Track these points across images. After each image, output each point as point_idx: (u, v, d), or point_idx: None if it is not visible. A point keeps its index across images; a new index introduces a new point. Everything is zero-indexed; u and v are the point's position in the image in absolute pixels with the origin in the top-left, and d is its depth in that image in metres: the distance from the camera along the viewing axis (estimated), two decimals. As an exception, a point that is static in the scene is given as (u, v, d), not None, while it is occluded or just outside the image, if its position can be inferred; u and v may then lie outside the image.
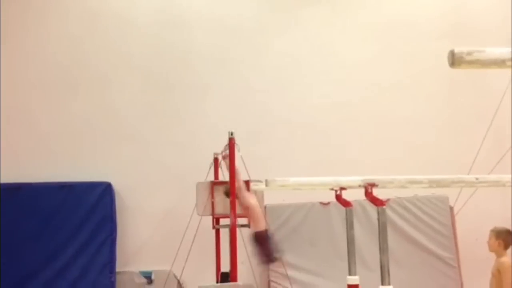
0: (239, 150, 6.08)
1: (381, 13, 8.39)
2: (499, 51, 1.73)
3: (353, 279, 3.98)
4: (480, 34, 8.19)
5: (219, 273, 7.24)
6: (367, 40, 8.36)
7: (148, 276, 7.67)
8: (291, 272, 7.32)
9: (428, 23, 8.38)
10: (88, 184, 7.56)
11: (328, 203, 7.67)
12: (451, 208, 7.85)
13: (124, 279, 7.62)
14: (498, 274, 4.34)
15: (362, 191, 3.70)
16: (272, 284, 7.66)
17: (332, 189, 4.33)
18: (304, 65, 8.26)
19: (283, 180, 3.89)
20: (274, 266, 7.56)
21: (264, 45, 8.23)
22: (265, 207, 7.51)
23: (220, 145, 6.70)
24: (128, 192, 7.80)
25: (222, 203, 6.99)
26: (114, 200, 7.64)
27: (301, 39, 8.32)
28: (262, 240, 5.68)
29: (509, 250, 4.80)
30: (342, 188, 4.16)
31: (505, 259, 4.36)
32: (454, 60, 1.71)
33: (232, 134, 6.01)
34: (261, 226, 5.74)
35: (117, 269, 7.58)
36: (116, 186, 7.70)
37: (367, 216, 7.52)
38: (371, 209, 7.10)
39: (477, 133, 7.85)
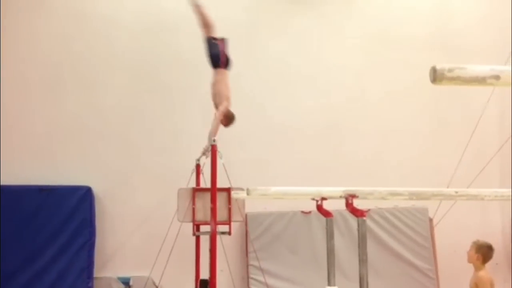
0: (221, 157, 6.06)
1: (369, 23, 8.46)
2: (480, 69, 1.75)
3: (332, 290, 3.98)
4: (466, 48, 8.29)
5: (198, 280, 7.21)
6: (354, 50, 8.42)
7: (126, 282, 7.60)
8: (270, 280, 7.32)
9: (415, 35, 8.46)
10: (68, 188, 7.49)
11: (310, 212, 7.69)
12: (431, 220, 7.92)
13: (101, 284, 7.54)
14: (475, 287, 4.38)
15: (343, 201, 3.71)
16: (251, 291, 7.64)
17: (313, 199, 4.33)
18: (290, 73, 8.29)
19: (265, 189, 3.87)
20: (253, 274, 7.55)
21: (250, 51, 8.23)
22: (246, 215, 7.50)
23: (202, 152, 6.68)
24: (108, 197, 7.73)
25: (203, 210, 6.96)
26: (93, 205, 7.58)
27: (289, 46, 8.35)
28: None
29: (489, 264, 4.85)
30: (323, 198, 4.17)
31: (483, 273, 4.39)
32: (436, 76, 1.72)
33: (214, 141, 5.99)
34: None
35: (95, 274, 7.50)
36: (96, 190, 7.63)
37: (348, 226, 7.55)
38: (352, 219, 7.13)
39: (459, 146, 7.93)
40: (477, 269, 4.46)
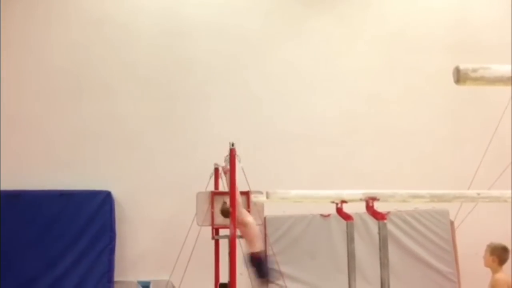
0: (240, 161, 6.07)
1: (385, 26, 8.41)
2: (505, 68, 1.73)
3: (354, 293, 3.96)
4: (483, 49, 8.21)
5: (218, 284, 7.20)
6: (371, 52, 8.38)
7: (146, 286, 7.63)
8: (290, 284, 7.29)
9: (432, 37, 8.39)
10: (88, 193, 7.55)
11: (329, 215, 7.65)
12: (452, 222, 7.83)
13: (122, 288, 7.59)
14: (492, 291, 4.33)
15: (363, 203, 3.69)
16: (270, 295, 7.61)
17: (333, 202, 4.31)
18: (307, 77, 8.27)
19: (284, 192, 3.87)
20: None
21: (268, 55, 8.24)
22: (265, 218, 7.48)
23: (221, 155, 6.68)
24: (128, 201, 7.78)
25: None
26: (113, 209, 7.63)
27: (306, 50, 8.34)
28: (257, 262, 5.64)
29: (506, 266, 4.78)
30: (343, 201, 4.15)
31: (500, 275, 4.33)
32: (460, 76, 1.70)
33: (233, 145, 5.99)
34: (257, 247, 5.70)
35: (116, 279, 7.54)
36: (116, 194, 7.68)
37: (367, 229, 7.49)
38: (372, 222, 7.08)
39: (479, 147, 7.84)
40: (494, 271, 4.41)
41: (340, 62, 8.36)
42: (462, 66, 1.71)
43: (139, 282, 7.64)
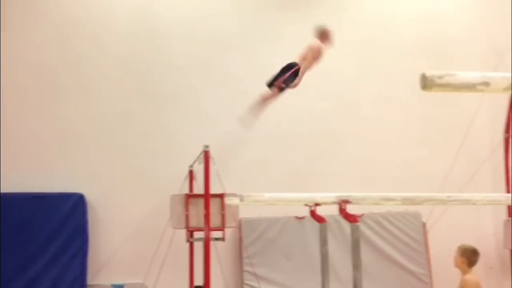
0: (214, 163, 6.07)
1: (359, 31, 8.48)
2: (470, 76, 1.76)
3: (326, 295, 3.99)
4: (456, 54, 8.35)
5: (193, 287, 7.19)
6: (346, 56, 8.44)
7: (120, 290, 7.57)
8: (265, 286, 7.31)
9: (404, 41, 8.50)
10: (60, 195, 7.45)
11: (303, 217, 7.68)
12: (424, 224, 7.94)
13: (95, 292, 7.51)
14: (461, 292, 4.41)
15: (337, 206, 3.72)
16: (245, 298, 7.62)
17: (306, 205, 4.34)
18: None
19: (258, 195, 3.89)
20: (248, 279, 7.54)
21: (243, 58, 8.24)
22: (240, 220, 7.49)
23: (196, 158, 6.69)
24: (101, 204, 7.70)
25: (196, 216, 6.96)
26: (86, 212, 7.54)
27: (279, 54, 8.34)
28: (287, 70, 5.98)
29: (482, 268, 4.87)
30: (316, 204, 4.18)
31: (469, 276, 4.42)
32: (426, 83, 1.73)
33: (207, 147, 6.00)
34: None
35: (89, 282, 7.46)
36: (89, 197, 7.60)
37: (342, 230, 7.54)
38: (346, 224, 7.12)
39: (451, 151, 7.97)
40: (463, 272, 4.50)
41: (319, 66, 8.40)
42: (428, 73, 1.74)
43: (113, 286, 7.57)
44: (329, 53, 8.43)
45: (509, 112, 8.27)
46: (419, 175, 7.91)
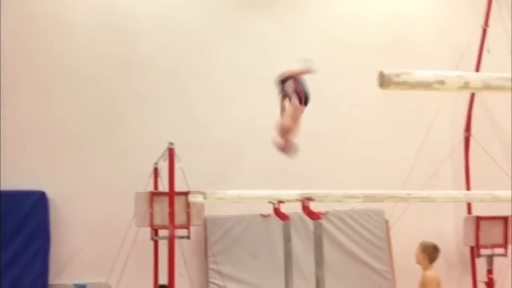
0: (179, 161, 6.04)
1: (324, 29, 8.55)
2: (426, 74, 1.80)
3: (289, 292, 4.01)
4: (420, 55, 8.47)
5: (157, 286, 7.14)
6: (311, 55, 8.48)
7: (82, 289, 7.46)
8: (229, 284, 7.30)
9: (371, 42, 8.59)
10: (21, 193, 7.29)
11: (269, 215, 7.69)
12: (387, 222, 8.05)
13: (57, 292, 7.38)
14: (422, 287, 4.50)
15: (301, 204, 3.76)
16: (210, 296, 7.61)
17: (270, 202, 4.36)
18: (248, 78, 8.30)
19: (222, 193, 3.89)
20: (213, 278, 7.53)
21: (208, 55, 8.21)
22: (205, 218, 7.47)
23: (160, 155, 6.64)
24: (64, 201, 7.57)
25: (161, 214, 6.91)
26: (48, 210, 7.40)
27: (247, 52, 8.36)
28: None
29: (443, 265, 4.98)
30: (280, 202, 4.20)
31: (430, 272, 4.52)
32: (383, 81, 1.76)
33: (172, 144, 5.96)
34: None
35: (51, 282, 7.32)
36: (50, 195, 7.46)
37: (306, 228, 7.57)
38: (310, 221, 7.18)
39: (413, 149, 8.10)
40: (424, 269, 4.61)
41: (281, 64, 8.42)
42: (386, 71, 1.77)
43: (75, 285, 7.46)
44: (295, 52, 8.52)
45: (469, 111, 8.46)
46: (382, 173, 8.01)
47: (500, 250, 8.03)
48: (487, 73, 1.86)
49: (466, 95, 8.42)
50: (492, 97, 8.51)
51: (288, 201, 4.01)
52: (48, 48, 7.79)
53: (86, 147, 7.74)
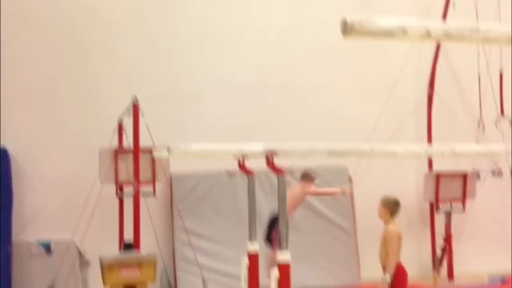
0: (143, 116, 5.96)
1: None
2: (389, 22, 1.79)
3: (253, 246, 4.07)
4: (382, 6, 8.33)
5: (122, 243, 7.14)
6: (279, 8, 8.40)
7: (47, 246, 7.38)
8: (194, 240, 7.35)
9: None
10: (-19, 150, 7.14)
11: (235, 173, 7.72)
12: (350, 178, 8.17)
13: (21, 249, 7.29)
14: (384, 241, 4.61)
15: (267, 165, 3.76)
16: (176, 252, 7.66)
17: (235, 157, 4.36)
18: (216, 31, 8.18)
19: (186, 147, 3.86)
20: (178, 234, 7.58)
21: (173, 9, 8.04)
22: (170, 176, 7.45)
23: (124, 110, 6.54)
24: (26, 158, 7.44)
25: (126, 171, 6.86)
26: (10, 166, 7.26)
27: (215, 5, 8.22)
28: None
29: (403, 221, 5.10)
30: (244, 157, 4.21)
31: (391, 226, 4.63)
32: (346, 29, 1.75)
33: (136, 99, 5.87)
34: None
35: (14, 239, 7.25)
36: (12, 151, 7.31)
37: (272, 186, 7.64)
38: (275, 179, 7.23)
39: (378, 104, 8.14)
40: (386, 223, 4.71)
41: (249, 18, 8.31)
42: (349, 19, 1.75)
43: (39, 242, 7.39)
44: (263, 6, 8.41)
45: (433, 68, 8.53)
46: (346, 129, 8.07)
47: (459, 206, 8.27)
48: (450, 23, 1.86)
49: (430, 52, 8.47)
50: (456, 54, 8.60)
51: (252, 156, 4.01)
52: (8, 3, 7.47)
53: (49, 102, 7.58)
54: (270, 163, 3.78)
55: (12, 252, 7.17)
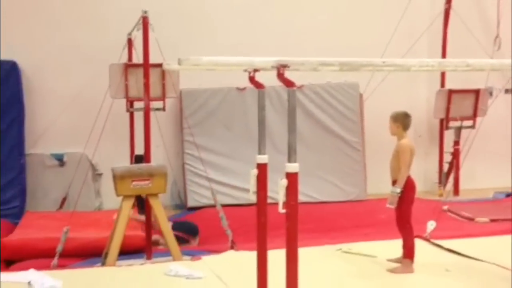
0: (153, 30, 5.86)
1: None
2: None
3: (262, 158, 4.11)
4: None
5: (133, 156, 7.27)
6: None
7: (60, 158, 7.56)
8: (204, 155, 7.45)
9: None
10: (-8, 62, 7.12)
11: (244, 88, 7.72)
12: (361, 95, 8.14)
13: (34, 160, 7.46)
14: (396, 154, 4.62)
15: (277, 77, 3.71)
16: (186, 166, 7.80)
17: (245, 70, 4.31)
18: None
19: (196, 59, 3.82)
20: (188, 149, 7.68)
21: None
22: (180, 91, 7.45)
23: (134, 25, 6.43)
24: (36, 72, 7.45)
25: (136, 86, 6.85)
26: (20, 80, 7.27)
27: None
28: None
29: (411, 137, 5.10)
30: (255, 70, 4.16)
31: (404, 141, 4.62)
32: None
33: (145, 12, 5.74)
34: None
35: (27, 151, 7.39)
36: (22, 65, 7.30)
37: (282, 101, 7.65)
38: (285, 95, 7.21)
39: (392, 21, 7.97)
40: (399, 137, 4.70)
41: None
42: None
43: (52, 155, 7.54)
44: None
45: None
46: (359, 45, 7.93)
47: (469, 122, 8.26)
48: None
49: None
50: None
51: (264, 69, 3.96)
52: None
53: (59, 16, 7.50)
54: (280, 75, 3.74)
55: (26, 164, 7.33)
